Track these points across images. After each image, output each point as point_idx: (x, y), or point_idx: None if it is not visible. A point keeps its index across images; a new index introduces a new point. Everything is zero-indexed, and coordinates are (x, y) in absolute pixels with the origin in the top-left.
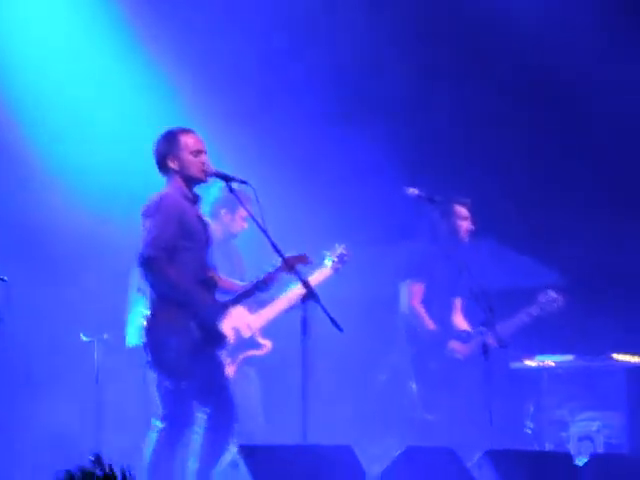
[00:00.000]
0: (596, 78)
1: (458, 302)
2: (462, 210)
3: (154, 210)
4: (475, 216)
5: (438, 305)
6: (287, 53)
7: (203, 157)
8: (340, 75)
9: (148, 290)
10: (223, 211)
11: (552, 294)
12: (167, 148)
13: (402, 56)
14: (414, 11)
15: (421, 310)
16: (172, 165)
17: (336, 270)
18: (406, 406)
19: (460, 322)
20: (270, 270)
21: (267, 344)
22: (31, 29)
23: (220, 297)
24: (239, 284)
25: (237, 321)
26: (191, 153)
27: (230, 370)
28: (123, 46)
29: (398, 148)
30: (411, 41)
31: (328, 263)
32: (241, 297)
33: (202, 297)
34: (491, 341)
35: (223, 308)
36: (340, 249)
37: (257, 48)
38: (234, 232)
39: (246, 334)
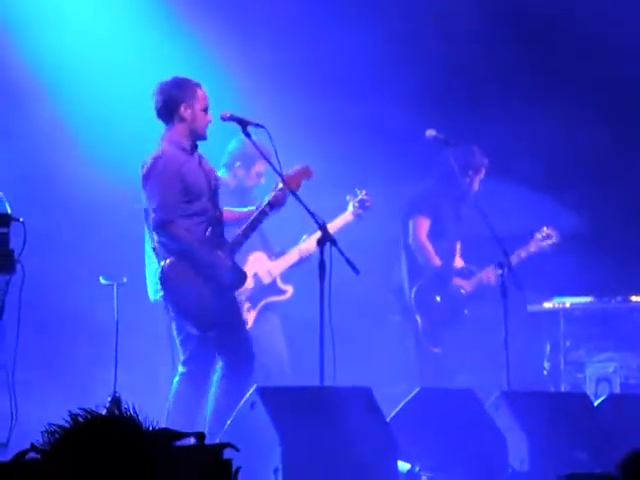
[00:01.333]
0: None
1: (458, 245)
2: (479, 159)
3: (154, 173)
4: (495, 160)
5: (441, 243)
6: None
7: (209, 115)
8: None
9: (160, 247)
10: (237, 164)
11: (548, 231)
12: (182, 96)
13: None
14: None
15: (427, 244)
16: (184, 114)
17: (357, 216)
18: (413, 341)
19: (460, 264)
20: (272, 192)
21: (289, 289)
22: None
23: (229, 230)
24: (244, 211)
25: (257, 267)
26: (202, 108)
27: (251, 316)
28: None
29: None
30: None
31: (349, 208)
32: (249, 229)
33: (213, 258)
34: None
35: (233, 251)
36: (361, 194)
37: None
38: (247, 186)
39: (266, 280)
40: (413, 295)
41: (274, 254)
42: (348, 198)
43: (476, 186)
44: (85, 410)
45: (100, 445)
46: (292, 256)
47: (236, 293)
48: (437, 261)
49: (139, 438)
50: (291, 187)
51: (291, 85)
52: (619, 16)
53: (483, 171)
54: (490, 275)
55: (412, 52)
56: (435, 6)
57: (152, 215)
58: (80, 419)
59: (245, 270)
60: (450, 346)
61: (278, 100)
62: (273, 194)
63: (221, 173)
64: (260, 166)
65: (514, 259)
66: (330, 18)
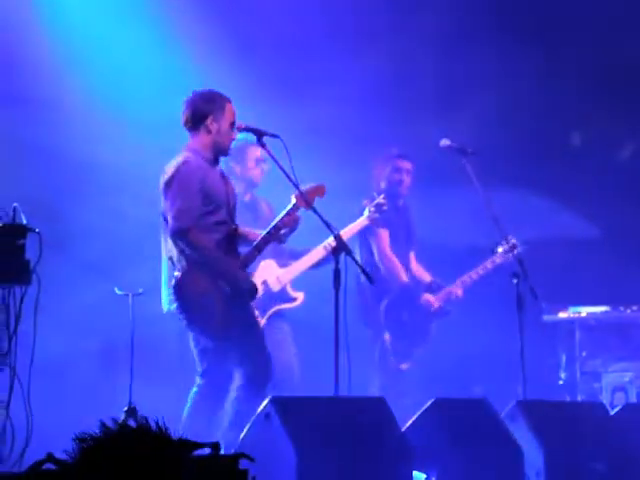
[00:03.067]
0: None
1: (412, 255)
2: (404, 163)
3: (175, 180)
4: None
5: (398, 255)
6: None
7: (235, 133)
8: None
9: (177, 256)
10: (232, 164)
11: (512, 241)
12: (211, 108)
13: None
14: None
15: (395, 259)
16: (210, 126)
17: (373, 220)
18: (379, 356)
19: (422, 273)
20: (288, 210)
21: (299, 297)
22: None
23: (242, 248)
24: (259, 232)
25: (266, 275)
26: (229, 124)
27: (260, 324)
28: None
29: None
30: None
31: (366, 212)
32: (260, 245)
33: (232, 268)
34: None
35: (245, 265)
36: (379, 199)
37: None
38: (251, 181)
39: (275, 288)
40: (383, 310)
41: (284, 262)
42: (365, 202)
43: (404, 190)
44: (102, 423)
45: (128, 455)
46: (303, 263)
47: None
48: (404, 277)
49: (163, 449)
50: (303, 204)
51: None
52: None
53: (406, 176)
54: (458, 290)
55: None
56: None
57: (170, 222)
58: (109, 429)
59: (255, 277)
60: (417, 363)
61: (283, 108)
62: (285, 212)
63: None
64: (252, 152)
65: (479, 271)
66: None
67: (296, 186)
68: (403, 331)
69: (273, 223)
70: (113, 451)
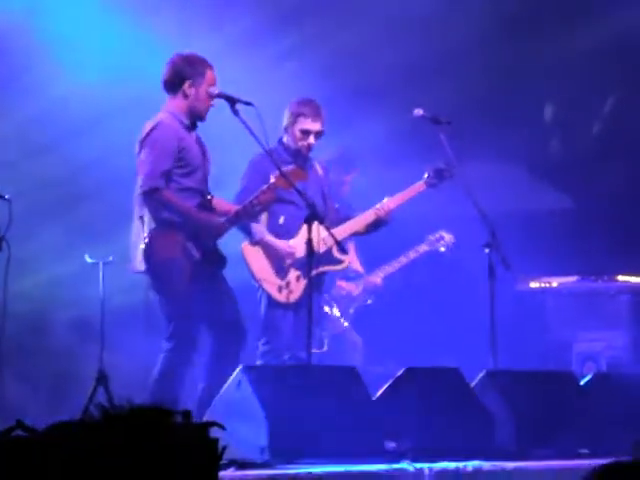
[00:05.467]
0: None
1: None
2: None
3: (149, 139)
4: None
5: None
6: None
7: (212, 100)
8: None
9: (147, 217)
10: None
11: (442, 233)
12: (190, 72)
13: None
14: None
15: None
16: (187, 90)
17: (431, 185)
18: None
19: (354, 262)
20: (264, 188)
21: (345, 259)
22: None
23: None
24: (235, 206)
25: (311, 235)
26: (208, 90)
27: (300, 285)
28: None
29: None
30: None
31: (424, 176)
32: (232, 218)
33: (202, 216)
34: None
35: (222, 227)
36: (441, 165)
37: None
38: (297, 147)
39: (320, 248)
40: None
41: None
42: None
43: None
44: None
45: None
46: (348, 227)
47: (284, 259)
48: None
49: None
50: (282, 183)
51: None
52: None
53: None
54: (377, 279)
55: None
56: None
57: (141, 181)
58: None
59: (298, 237)
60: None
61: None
62: (262, 190)
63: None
64: (301, 123)
65: (403, 260)
66: None
67: (271, 159)
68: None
69: (249, 199)
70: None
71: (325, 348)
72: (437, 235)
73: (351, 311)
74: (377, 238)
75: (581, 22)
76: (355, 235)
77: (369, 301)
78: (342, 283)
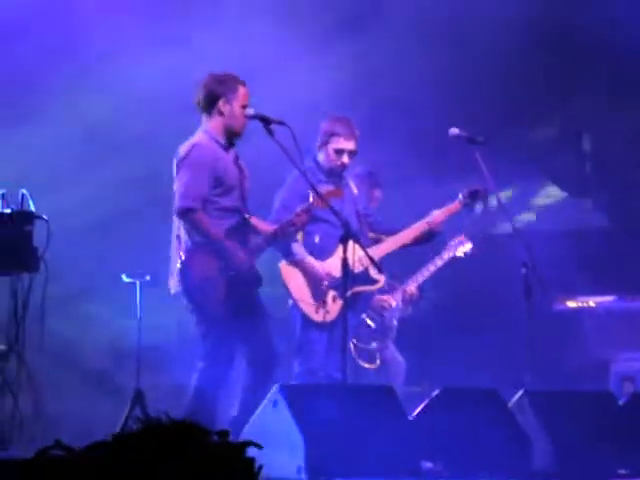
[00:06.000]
0: None
1: None
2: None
3: (186, 161)
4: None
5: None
6: None
7: (246, 115)
8: None
9: (184, 237)
10: (317, 143)
11: (461, 238)
12: (223, 90)
13: None
14: None
15: None
16: (222, 109)
17: (465, 206)
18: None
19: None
20: (301, 209)
21: (381, 279)
22: None
23: (254, 239)
24: (272, 226)
25: (348, 254)
26: (242, 106)
27: (336, 305)
28: None
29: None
30: None
31: (459, 197)
32: (269, 238)
33: (234, 251)
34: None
35: (253, 254)
36: (477, 187)
37: None
38: (330, 167)
39: (356, 268)
40: None
41: (368, 242)
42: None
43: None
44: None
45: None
46: (387, 246)
47: (322, 280)
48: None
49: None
50: (320, 203)
51: None
52: None
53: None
54: (412, 288)
55: None
56: None
57: (176, 201)
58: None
59: (335, 256)
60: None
61: None
62: (300, 210)
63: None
64: (335, 142)
65: (431, 268)
66: None
67: (306, 179)
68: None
69: (286, 220)
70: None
71: (378, 362)
72: (457, 240)
73: (395, 322)
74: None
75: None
76: (402, 247)
77: (410, 311)
78: (382, 296)
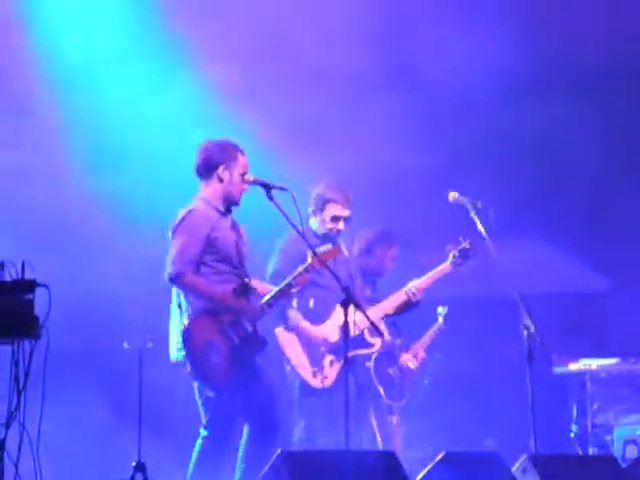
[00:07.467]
0: None
1: None
2: None
3: (181, 227)
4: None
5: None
6: None
7: (246, 184)
8: None
9: (185, 303)
10: (310, 209)
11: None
12: (223, 158)
13: None
14: None
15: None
16: (222, 175)
17: (456, 266)
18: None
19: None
20: (301, 270)
21: (377, 342)
22: None
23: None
24: (269, 287)
25: (342, 319)
26: (241, 175)
27: (334, 370)
28: None
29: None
30: None
31: (449, 258)
32: (270, 300)
33: (235, 302)
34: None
35: (260, 310)
36: (465, 243)
37: None
38: (324, 233)
39: (352, 332)
40: (372, 365)
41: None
42: (448, 248)
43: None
44: None
45: None
46: (380, 309)
47: (319, 345)
48: (387, 337)
49: None
50: (317, 264)
51: None
52: None
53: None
54: (421, 351)
55: None
56: None
57: (166, 267)
58: None
59: (331, 321)
60: (426, 416)
61: None
62: (299, 272)
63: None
64: (332, 209)
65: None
66: None
67: (306, 242)
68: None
69: (286, 281)
70: None
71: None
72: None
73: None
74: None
75: None
76: (386, 317)
77: (425, 381)
78: (408, 355)
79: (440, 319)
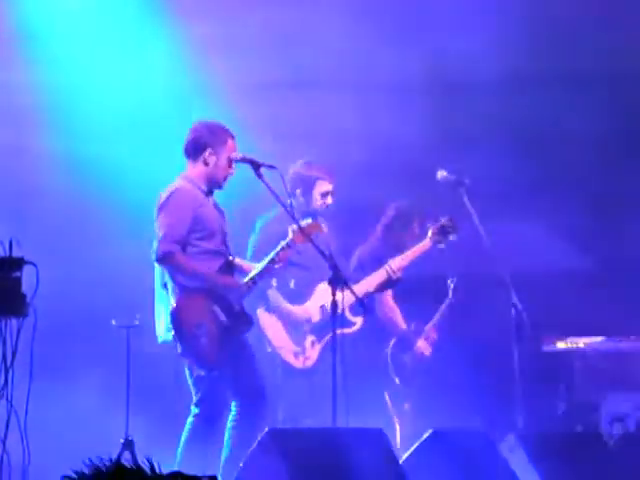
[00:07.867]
0: None
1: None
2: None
3: (167, 207)
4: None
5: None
6: None
7: (232, 169)
8: None
9: (171, 283)
10: (298, 191)
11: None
12: (212, 140)
13: None
14: None
15: (395, 306)
16: (208, 158)
17: (436, 243)
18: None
19: (398, 317)
20: (284, 245)
21: (358, 321)
22: None
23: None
24: (254, 264)
25: (324, 299)
26: (228, 159)
27: (315, 350)
28: None
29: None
30: None
31: (428, 234)
32: (255, 277)
33: (223, 279)
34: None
35: (246, 287)
36: (443, 221)
37: None
38: (314, 209)
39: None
40: (389, 354)
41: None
42: (428, 225)
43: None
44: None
45: None
46: (360, 287)
47: (302, 325)
48: (403, 324)
49: None
50: (300, 239)
51: None
52: None
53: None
54: (433, 334)
55: None
56: None
57: (155, 246)
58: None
59: (312, 301)
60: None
61: None
62: (282, 247)
63: None
64: (321, 186)
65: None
66: None
67: (293, 219)
68: (405, 374)
69: (269, 256)
70: None
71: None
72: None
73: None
74: None
75: None
76: (367, 295)
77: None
78: (421, 343)
79: (450, 293)
